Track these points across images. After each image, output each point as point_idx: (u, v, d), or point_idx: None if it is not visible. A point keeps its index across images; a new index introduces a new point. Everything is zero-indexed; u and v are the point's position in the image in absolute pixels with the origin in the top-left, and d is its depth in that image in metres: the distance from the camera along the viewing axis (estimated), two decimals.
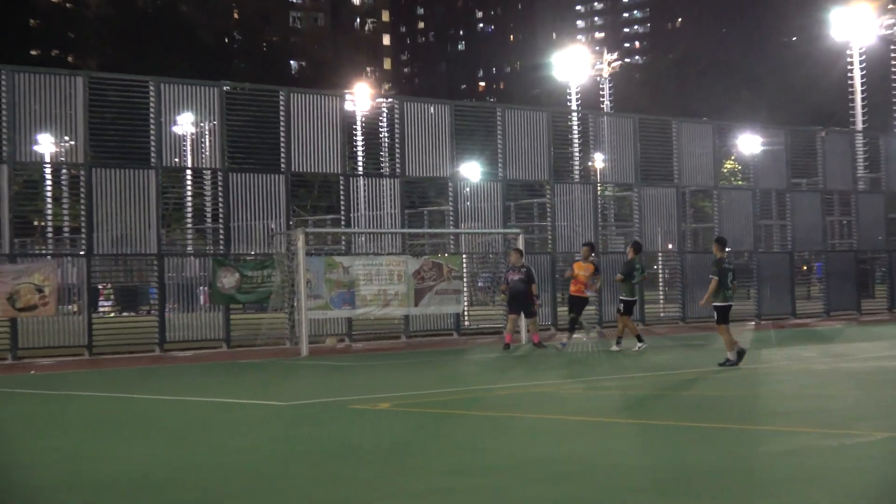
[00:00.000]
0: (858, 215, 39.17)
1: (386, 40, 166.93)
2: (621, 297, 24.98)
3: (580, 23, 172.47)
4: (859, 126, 45.84)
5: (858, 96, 47.33)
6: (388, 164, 31.45)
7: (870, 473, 9.69)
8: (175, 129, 29.00)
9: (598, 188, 35.35)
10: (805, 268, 41.80)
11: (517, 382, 18.62)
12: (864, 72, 47.32)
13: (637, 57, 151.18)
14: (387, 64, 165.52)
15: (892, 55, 48.66)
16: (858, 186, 39.80)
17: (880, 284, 43.30)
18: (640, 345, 24.12)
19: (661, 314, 35.69)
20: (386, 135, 31.67)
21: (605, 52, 65.71)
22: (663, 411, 14.29)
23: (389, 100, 34.18)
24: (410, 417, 14.23)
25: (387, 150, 31.55)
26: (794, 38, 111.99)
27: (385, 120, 31.83)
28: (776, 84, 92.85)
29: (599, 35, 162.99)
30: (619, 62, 73.25)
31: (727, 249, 20.64)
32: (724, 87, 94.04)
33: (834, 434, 11.62)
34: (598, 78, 63.92)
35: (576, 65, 57.81)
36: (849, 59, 48.38)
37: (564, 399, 16.18)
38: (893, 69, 48.89)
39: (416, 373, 21.19)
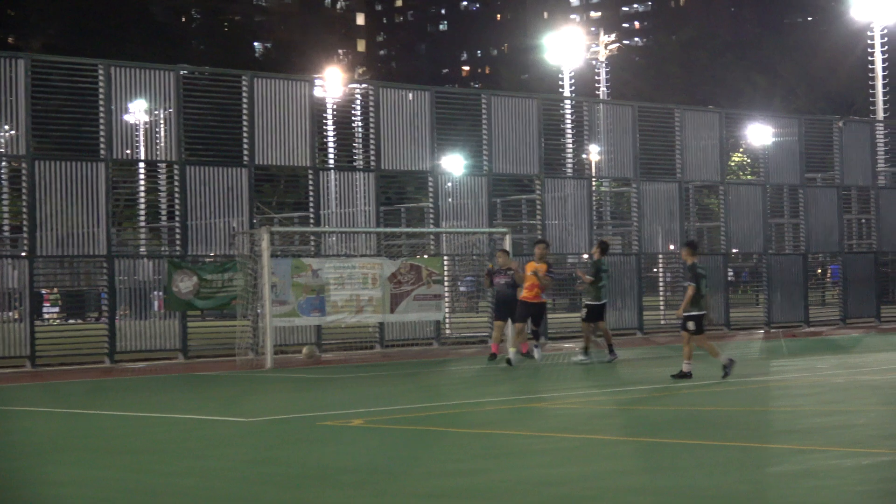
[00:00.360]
0: (879, 213, 39.30)
1: (360, 19, 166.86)
2: (586, 302, 25.03)
3: (574, 0, 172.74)
4: (880, 115, 46.09)
5: (880, 82, 47.60)
6: (361, 157, 31.49)
7: (891, 497, 9.80)
8: (127, 117, 28.96)
9: (594, 183, 35.45)
10: (820, 271, 41.96)
11: (504, 397, 18.68)
12: (887, 55, 47.58)
13: (637, 39, 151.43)
14: (361, 46, 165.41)
15: None
16: (879, 181, 39.92)
17: None
18: (583, 357, 24.26)
19: (662, 322, 35.78)
20: (360, 124, 31.71)
21: (602, 32, 66.00)
22: (666, 428, 14.35)
23: (363, 85, 34.22)
24: (387, 435, 14.29)
25: (360, 140, 31.57)
26: (810, 19, 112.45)
27: (359, 108, 31.86)
28: (790, 69, 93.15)
29: (596, 14, 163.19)
30: (618, 44, 73.52)
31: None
32: (732, 72, 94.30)
33: (851, 453, 11.72)
34: (594, 62, 64.15)
35: (569, 47, 58.03)
36: (870, 42, 48.65)
37: (557, 415, 16.26)
38: None
39: (392, 386, 21.23)
